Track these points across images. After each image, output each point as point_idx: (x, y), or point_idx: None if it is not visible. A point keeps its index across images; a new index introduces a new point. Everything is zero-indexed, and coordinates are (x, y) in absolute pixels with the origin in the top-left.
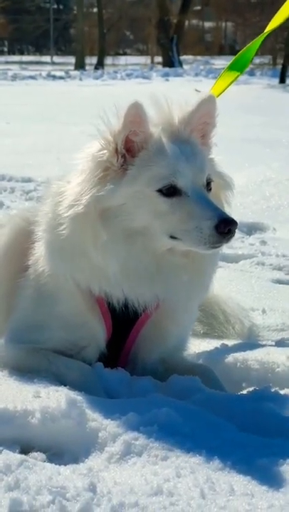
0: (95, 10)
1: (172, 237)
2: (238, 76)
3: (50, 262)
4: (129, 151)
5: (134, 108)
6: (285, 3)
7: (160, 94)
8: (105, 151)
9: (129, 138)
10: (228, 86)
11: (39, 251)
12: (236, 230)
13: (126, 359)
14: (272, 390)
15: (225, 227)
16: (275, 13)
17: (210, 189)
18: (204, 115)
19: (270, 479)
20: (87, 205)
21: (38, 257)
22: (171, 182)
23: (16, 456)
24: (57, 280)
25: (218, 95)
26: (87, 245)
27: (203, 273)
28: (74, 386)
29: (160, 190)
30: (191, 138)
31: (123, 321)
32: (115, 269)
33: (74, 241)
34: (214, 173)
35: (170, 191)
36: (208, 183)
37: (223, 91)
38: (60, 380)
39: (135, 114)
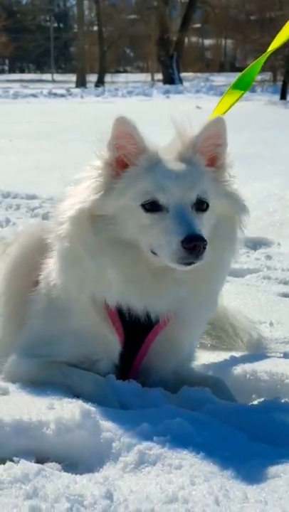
0: (95, 28)
1: (153, 253)
2: (242, 94)
3: (59, 271)
4: (120, 164)
5: (119, 122)
6: (288, 22)
7: (178, 116)
8: (99, 163)
9: (119, 152)
10: (232, 104)
11: (50, 265)
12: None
13: (136, 371)
14: (282, 400)
15: (190, 243)
16: (275, 30)
17: (204, 209)
18: (211, 137)
19: (282, 487)
20: (80, 210)
21: (49, 271)
22: (153, 198)
23: (33, 466)
24: (69, 293)
25: (223, 113)
26: (79, 250)
27: (206, 289)
28: (89, 398)
29: (143, 205)
30: (193, 158)
31: (135, 333)
32: (113, 276)
33: (71, 246)
34: (222, 194)
35: (152, 207)
36: (201, 202)
37: (228, 109)
38: (74, 393)
39: (121, 129)
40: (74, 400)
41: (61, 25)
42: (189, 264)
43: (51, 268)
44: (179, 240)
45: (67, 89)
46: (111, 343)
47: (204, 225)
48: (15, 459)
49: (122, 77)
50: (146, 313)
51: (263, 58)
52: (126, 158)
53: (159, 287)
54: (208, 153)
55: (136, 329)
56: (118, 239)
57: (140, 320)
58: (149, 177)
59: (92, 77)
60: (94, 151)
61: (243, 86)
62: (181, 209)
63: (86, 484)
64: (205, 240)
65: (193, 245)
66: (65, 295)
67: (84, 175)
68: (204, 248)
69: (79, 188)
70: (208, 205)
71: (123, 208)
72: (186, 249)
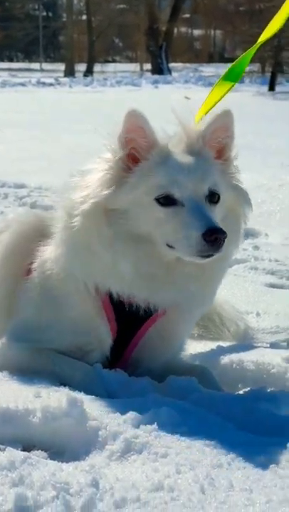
0: (84, 17)
1: (169, 246)
2: (232, 86)
3: (66, 260)
4: (132, 158)
5: (131, 115)
6: (278, 14)
7: (179, 109)
8: (111, 156)
9: (130, 146)
10: (223, 96)
11: (47, 253)
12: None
13: (126, 361)
14: (268, 390)
15: (211, 235)
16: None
17: (215, 201)
18: (219, 129)
19: (267, 475)
20: (94, 204)
21: (44, 260)
22: (168, 192)
23: (19, 454)
24: (66, 284)
25: (213, 105)
26: (94, 242)
27: (212, 283)
28: (77, 386)
29: (157, 199)
30: (202, 151)
31: (128, 324)
32: (126, 269)
33: (84, 238)
34: (230, 186)
35: (167, 201)
36: (213, 195)
37: (218, 101)
38: (62, 380)
39: (133, 122)
40: (61, 388)
41: (50, 14)
42: (208, 256)
43: (47, 256)
44: (200, 233)
45: (56, 79)
46: (103, 335)
47: (217, 217)
48: (1, 446)
49: (110, 67)
50: (148, 305)
51: (253, 49)
52: (137, 152)
53: (171, 281)
54: (216, 145)
55: (130, 321)
56: (131, 233)
57: (139, 312)
58: (162, 171)
59: (81, 67)
60: (104, 143)
61: (233, 77)
62: (196, 202)
63: (72, 472)
64: (225, 232)
65: (214, 238)
66: (63, 283)
67: (94, 166)
68: (224, 240)
69: (88, 179)
70: (219, 197)
71: (135, 202)
72: (207, 242)
